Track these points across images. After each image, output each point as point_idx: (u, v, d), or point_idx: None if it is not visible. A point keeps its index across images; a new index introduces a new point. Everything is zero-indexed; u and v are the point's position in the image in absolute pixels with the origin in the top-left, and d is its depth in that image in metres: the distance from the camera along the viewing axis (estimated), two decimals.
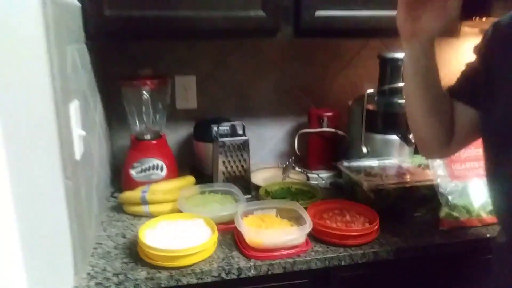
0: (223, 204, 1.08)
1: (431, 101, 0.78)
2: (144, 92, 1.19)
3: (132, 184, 1.20)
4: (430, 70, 0.75)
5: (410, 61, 0.76)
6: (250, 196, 1.21)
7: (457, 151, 0.90)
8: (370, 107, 1.28)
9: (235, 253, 0.92)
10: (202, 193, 1.14)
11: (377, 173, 1.15)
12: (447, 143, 0.82)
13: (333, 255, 0.92)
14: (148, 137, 1.25)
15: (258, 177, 1.33)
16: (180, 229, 0.94)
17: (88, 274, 0.84)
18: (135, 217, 1.09)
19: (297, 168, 1.38)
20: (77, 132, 0.81)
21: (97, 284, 0.81)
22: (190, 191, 1.13)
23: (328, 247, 0.94)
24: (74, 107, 0.80)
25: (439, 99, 0.78)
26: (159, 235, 0.91)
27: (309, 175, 1.37)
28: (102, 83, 1.16)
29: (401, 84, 1.23)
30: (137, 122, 1.23)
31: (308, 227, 0.91)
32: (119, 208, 1.12)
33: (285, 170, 1.31)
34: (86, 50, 0.98)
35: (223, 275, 0.86)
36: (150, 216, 1.08)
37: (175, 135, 1.42)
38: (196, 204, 1.07)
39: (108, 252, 0.92)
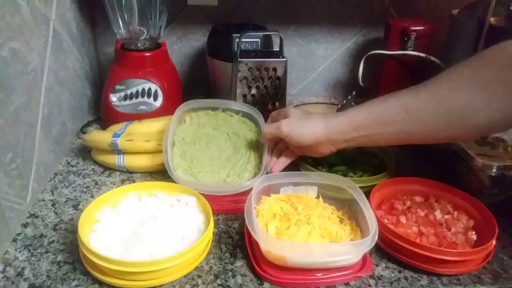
0: (240, 172, 0.68)
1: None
2: None
3: (113, 116, 0.83)
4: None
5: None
6: None
7: None
8: (496, 21, 0.78)
9: (239, 266, 0.55)
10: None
11: (497, 140, 0.69)
12: None
13: None
14: (139, 45, 0.84)
15: None
16: (156, 213, 0.57)
17: None
18: (105, 170, 0.73)
19: None
20: None
21: None
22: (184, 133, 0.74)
23: (400, 272, 0.55)
24: None
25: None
26: (118, 224, 0.55)
27: None
28: None
29: None
30: (120, 21, 0.81)
31: (370, 241, 0.51)
32: (88, 151, 0.76)
33: (340, 110, 0.87)
34: None
35: None
36: (127, 171, 0.72)
37: (184, 46, 0.99)
38: (191, 162, 0.68)
39: (40, 238, 0.57)
